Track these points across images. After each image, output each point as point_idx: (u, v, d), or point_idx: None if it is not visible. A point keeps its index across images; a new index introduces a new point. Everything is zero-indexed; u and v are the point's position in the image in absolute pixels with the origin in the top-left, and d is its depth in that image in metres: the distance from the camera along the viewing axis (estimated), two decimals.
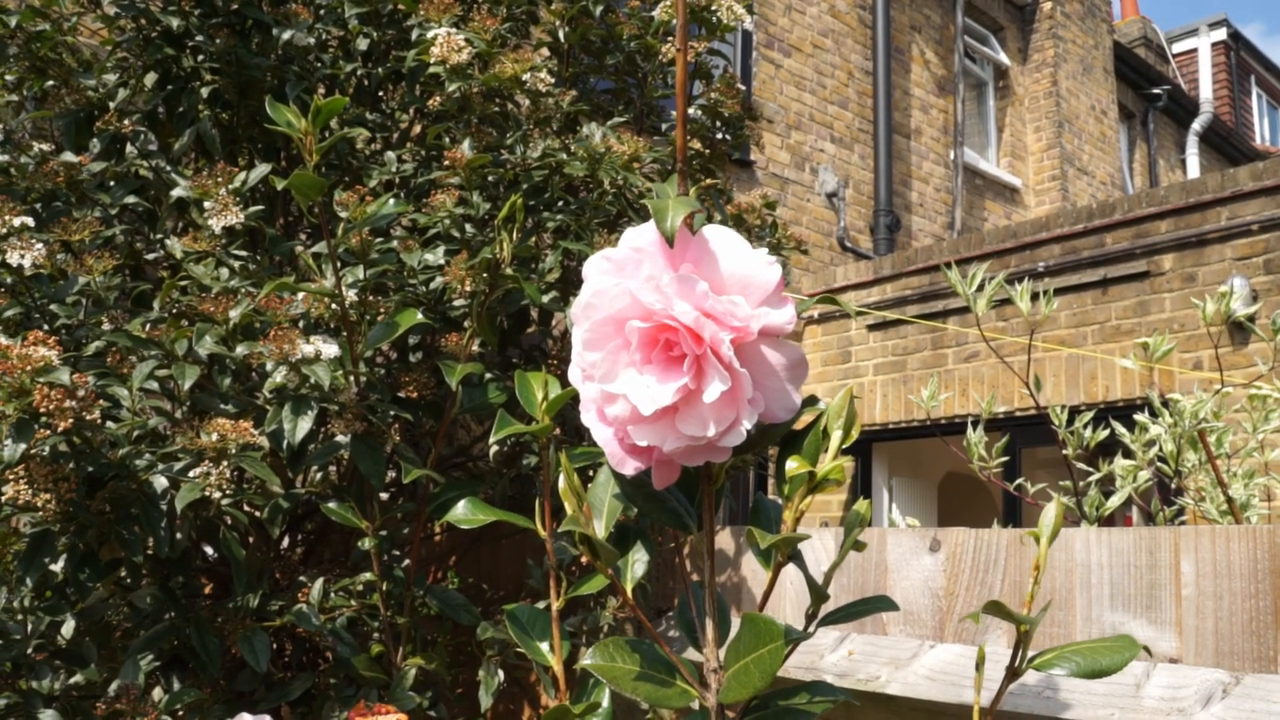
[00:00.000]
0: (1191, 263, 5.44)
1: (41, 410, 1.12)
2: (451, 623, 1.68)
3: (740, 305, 0.67)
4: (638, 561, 0.83)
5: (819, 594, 0.77)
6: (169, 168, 1.82)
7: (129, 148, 1.84)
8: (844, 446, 0.70)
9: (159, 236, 1.71)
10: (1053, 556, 1.35)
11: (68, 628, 1.48)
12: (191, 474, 1.27)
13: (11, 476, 1.17)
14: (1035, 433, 5.26)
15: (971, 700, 1.34)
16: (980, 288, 1.58)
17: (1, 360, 1.15)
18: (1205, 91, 14.96)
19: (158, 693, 1.48)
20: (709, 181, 1.71)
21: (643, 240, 0.69)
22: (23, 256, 1.36)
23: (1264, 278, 5.15)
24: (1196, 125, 14.03)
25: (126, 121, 1.79)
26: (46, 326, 1.46)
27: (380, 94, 2.04)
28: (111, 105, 1.84)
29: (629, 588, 0.81)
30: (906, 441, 6.46)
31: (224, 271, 1.60)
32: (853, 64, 8.53)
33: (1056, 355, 5.82)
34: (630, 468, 0.72)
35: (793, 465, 0.69)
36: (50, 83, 1.80)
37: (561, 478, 0.78)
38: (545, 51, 2.01)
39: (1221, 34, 15.71)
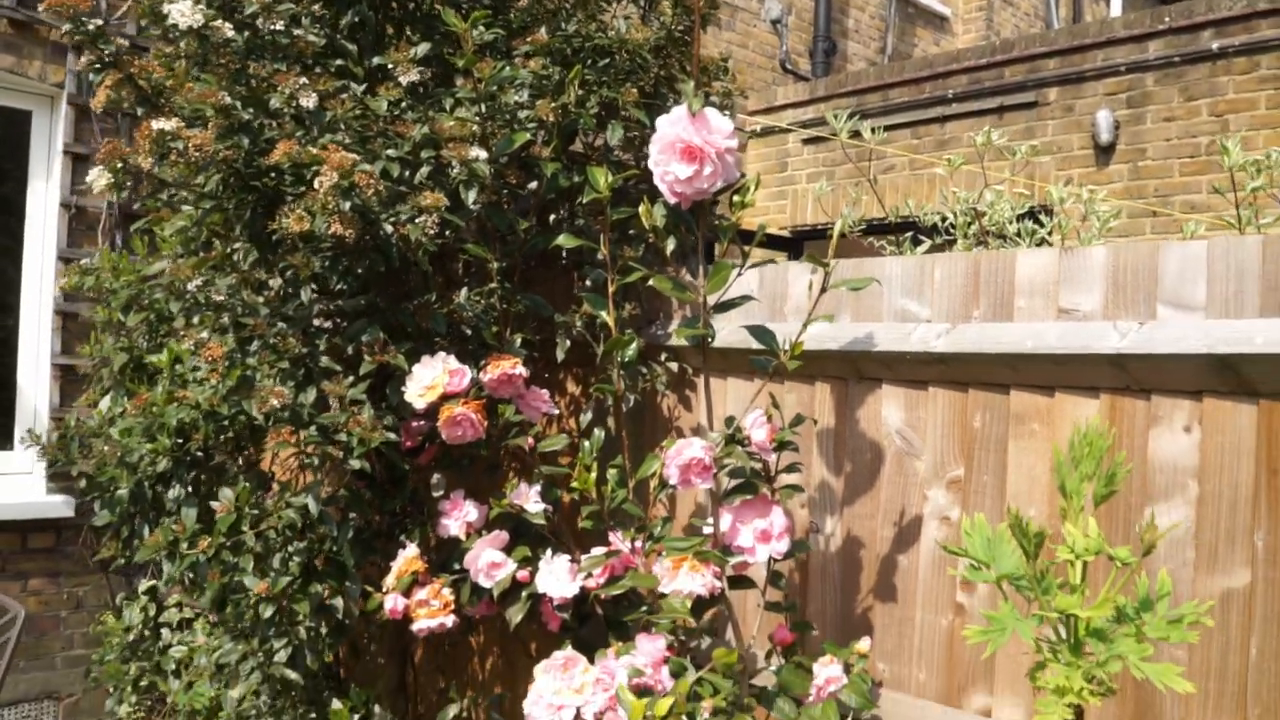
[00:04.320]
0: (1071, 96, 6.52)
1: (360, 185, 2.22)
2: (532, 318, 2.84)
3: (719, 138, 1.81)
4: (671, 241, 1.98)
5: (745, 255, 1.94)
6: (339, 38, 2.86)
7: (302, 22, 2.86)
8: (756, 190, 1.84)
9: (346, 85, 2.76)
10: (873, 270, 2.52)
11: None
12: (417, 220, 2.38)
13: (326, 221, 2.27)
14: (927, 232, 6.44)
15: (830, 349, 2.54)
16: (845, 122, 2.71)
17: (329, 159, 2.24)
18: None
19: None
20: (717, 85, 2.80)
21: (680, 113, 1.82)
22: (307, 100, 2.43)
23: (1125, 111, 6.23)
24: None
25: (316, 6, 2.81)
26: (302, 138, 2.52)
27: None
28: None
29: (668, 251, 1.96)
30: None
31: (382, 104, 2.67)
32: None
33: (958, 170, 6.96)
34: (673, 200, 1.87)
35: (736, 198, 1.84)
36: None
37: (642, 206, 1.92)
38: None
39: None
